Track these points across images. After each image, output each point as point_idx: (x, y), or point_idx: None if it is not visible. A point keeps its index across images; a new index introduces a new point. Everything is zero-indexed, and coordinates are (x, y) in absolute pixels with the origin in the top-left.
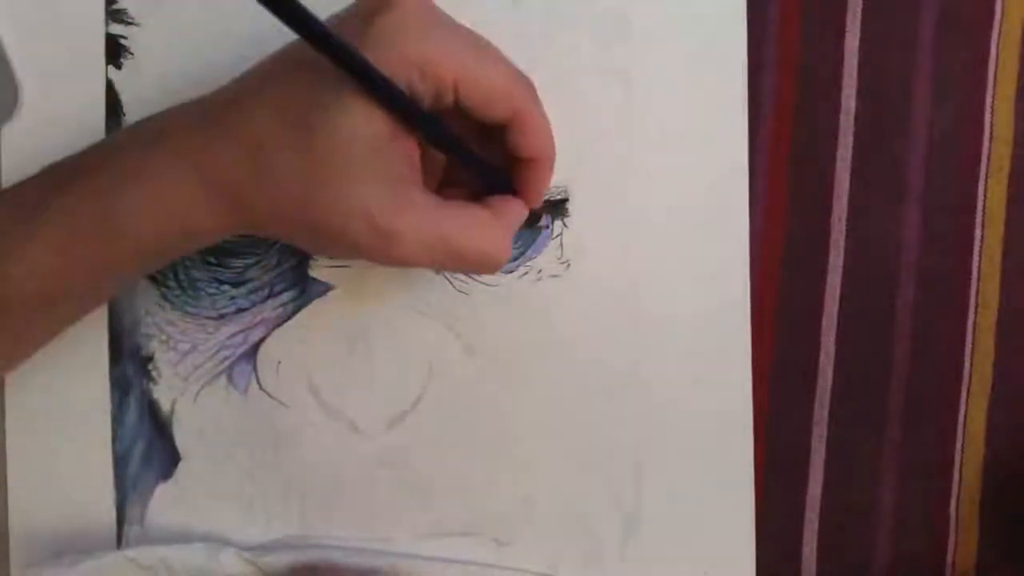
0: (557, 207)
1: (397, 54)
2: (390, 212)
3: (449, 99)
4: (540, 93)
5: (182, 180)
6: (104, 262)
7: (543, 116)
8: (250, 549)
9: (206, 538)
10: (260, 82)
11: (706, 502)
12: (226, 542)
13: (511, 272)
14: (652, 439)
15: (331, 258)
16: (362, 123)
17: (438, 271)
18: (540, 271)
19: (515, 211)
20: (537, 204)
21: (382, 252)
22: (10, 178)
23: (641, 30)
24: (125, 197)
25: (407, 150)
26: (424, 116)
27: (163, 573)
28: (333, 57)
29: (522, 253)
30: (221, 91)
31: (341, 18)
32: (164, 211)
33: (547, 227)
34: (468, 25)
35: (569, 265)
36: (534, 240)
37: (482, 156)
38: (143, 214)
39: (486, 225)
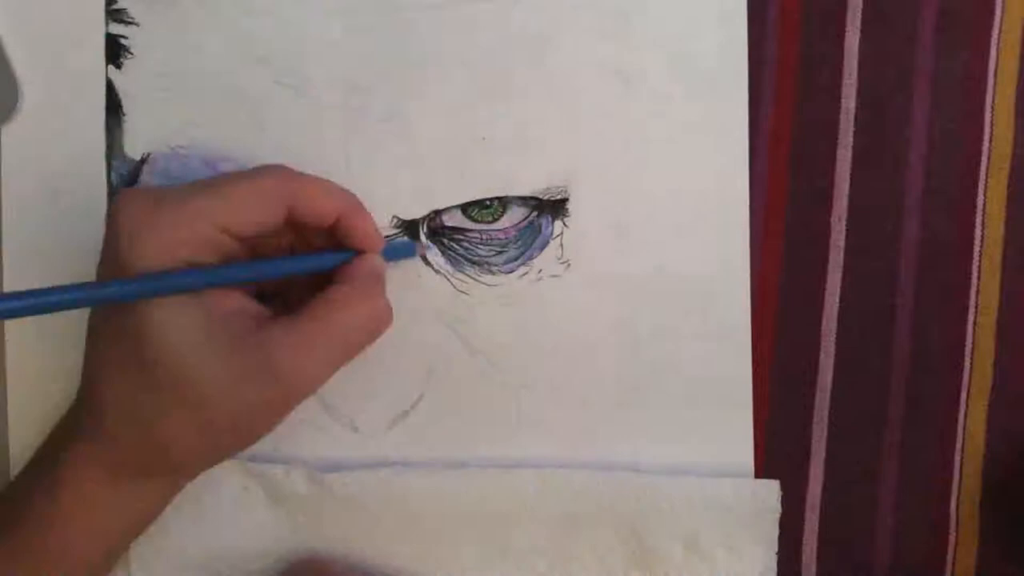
0: (557, 207)
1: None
2: (270, 374)
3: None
4: (541, 92)
5: (89, 479)
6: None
7: (365, 215)
8: (319, 470)
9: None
10: (99, 366)
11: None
12: (297, 460)
13: (511, 272)
14: (652, 439)
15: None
16: (178, 326)
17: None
18: (540, 271)
19: (364, 265)
20: (376, 250)
21: (293, 400)
22: (10, 178)
23: (641, 30)
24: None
25: (235, 304)
26: (247, 275)
27: (255, 489)
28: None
29: (522, 253)
30: (79, 392)
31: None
32: (94, 515)
33: (548, 227)
34: (469, 25)
35: (569, 265)
36: (534, 240)
37: (310, 256)
38: (77, 526)
39: (353, 294)
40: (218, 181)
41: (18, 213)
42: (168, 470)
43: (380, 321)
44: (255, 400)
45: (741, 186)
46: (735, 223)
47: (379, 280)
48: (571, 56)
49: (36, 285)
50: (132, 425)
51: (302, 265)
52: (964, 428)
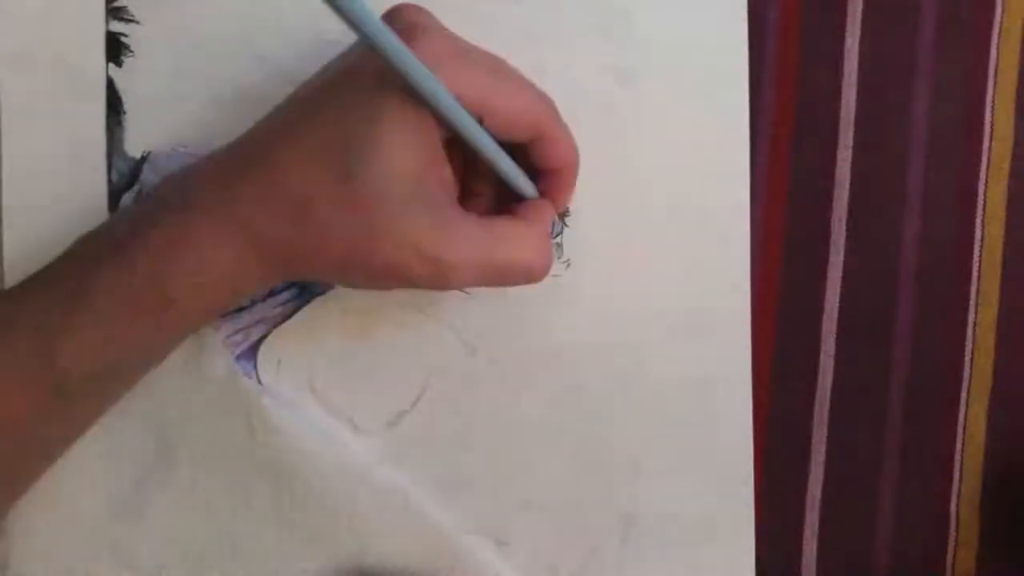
0: None
1: None
2: (440, 244)
3: None
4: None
5: (227, 244)
6: (153, 336)
7: (566, 131)
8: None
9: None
10: (289, 127)
11: (706, 502)
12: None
13: None
14: (652, 439)
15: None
16: (399, 158)
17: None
18: None
19: (546, 215)
20: (564, 207)
21: (438, 281)
22: (10, 177)
23: (643, 30)
24: (171, 270)
25: (443, 175)
26: (475, 127)
27: None
28: (396, 64)
29: None
30: (249, 138)
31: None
32: (212, 278)
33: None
34: (470, 24)
35: (569, 265)
36: None
37: (517, 167)
38: (191, 285)
39: (527, 237)
40: (500, 80)
41: (18, 213)
42: (293, 272)
43: (541, 273)
44: (393, 259)
45: (741, 186)
46: (735, 222)
47: (548, 231)
48: (571, 56)
49: None
50: (291, 206)
51: (506, 168)
52: (964, 428)
